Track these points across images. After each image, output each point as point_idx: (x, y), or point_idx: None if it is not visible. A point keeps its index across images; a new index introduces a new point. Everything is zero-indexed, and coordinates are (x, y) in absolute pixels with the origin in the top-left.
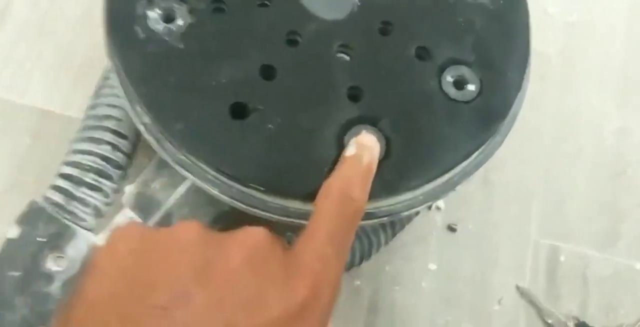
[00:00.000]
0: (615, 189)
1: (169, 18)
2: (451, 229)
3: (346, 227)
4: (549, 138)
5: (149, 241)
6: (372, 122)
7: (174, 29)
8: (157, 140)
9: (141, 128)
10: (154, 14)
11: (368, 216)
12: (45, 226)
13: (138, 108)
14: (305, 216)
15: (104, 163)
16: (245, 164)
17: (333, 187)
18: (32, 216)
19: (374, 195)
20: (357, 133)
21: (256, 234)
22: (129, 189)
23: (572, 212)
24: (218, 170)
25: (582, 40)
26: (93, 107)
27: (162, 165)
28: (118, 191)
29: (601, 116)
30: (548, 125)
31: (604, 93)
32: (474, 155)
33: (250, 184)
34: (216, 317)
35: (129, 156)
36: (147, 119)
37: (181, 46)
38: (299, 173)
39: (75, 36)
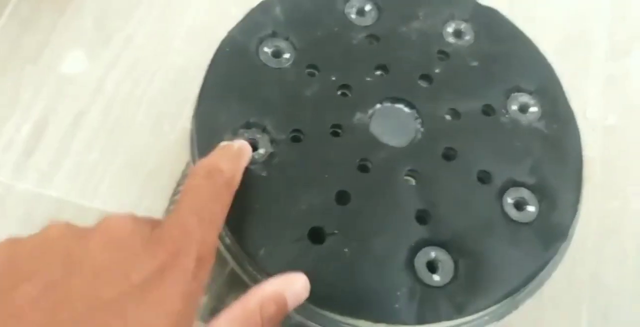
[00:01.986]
0: None
1: (252, 148)
2: None
3: (212, 196)
4: (593, 242)
5: (20, 246)
6: (439, 244)
7: (257, 157)
8: (237, 261)
9: (221, 246)
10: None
11: None
12: None
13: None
14: None
15: None
16: (321, 287)
17: (200, 163)
18: None
19: (443, 316)
20: (427, 256)
21: (117, 219)
22: (203, 302)
23: (621, 318)
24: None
25: (620, 144)
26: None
27: (236, 279)
28: None
29: None
30: (593, 229)
31: None
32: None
33: (326, 308)
34: (81, 299)
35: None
36: (228, 240)
37: (264, 174)
38: (372, 296)
39: (143, 144)
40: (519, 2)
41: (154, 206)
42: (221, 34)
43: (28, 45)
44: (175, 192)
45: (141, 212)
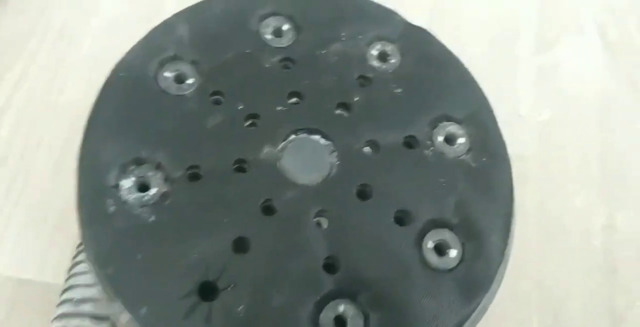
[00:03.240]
0: (610, 290)
1: (142, 187)
2: None
3: None
4: (535, 243)
5: None
6: (349, 296)
7: (147, 198)
8: None
9: (116, 321)
10: (128, 183)
11: None
12: None
13: (108, 292)
14: None
15: None
16: None
17: None
18: None
19: None
20: (334, 311)
21: None
22: None
23: (571, 319)
24: None
25: (556, 139)
26: (68, 289)
27: None
28: None
29: (586, 215)
30: (533, 230)
31: (585, 191)
32: None
33: None
34: None
35: None
36: (117, 307)
37: (152, 219)
38: None
39: (47, 192)
40: (443, 4)
41: (61, 263)
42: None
43: None
44: (77, 253)
45: (49, 272)
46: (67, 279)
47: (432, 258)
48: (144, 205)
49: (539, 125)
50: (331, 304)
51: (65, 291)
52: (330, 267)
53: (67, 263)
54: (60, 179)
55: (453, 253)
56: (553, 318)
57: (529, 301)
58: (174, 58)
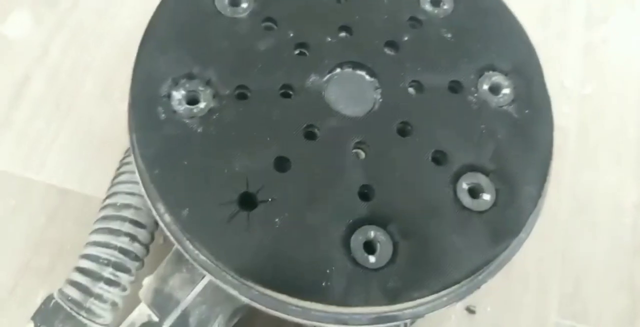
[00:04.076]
0: (633, 266)
1: (192, 100)
2: (470, 311)
3: None
4: (565, 214)
5: None
6: (380, 224)
7: (196, 111)
8: (176, 237)
9: (159, 221)
10: (178, 95)
11: (390, 318)
12: (61, 323)
13: (152, 193)
14: (326, 318)
15: (122, 256)
16: (248, 257)
17: None
18: (48, 314)
19: (373, 301)
20: (365, 235)
21: None
22: (147, 282)
23: (591, 291)
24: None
25: (596, 113)
26: (111, 195)
27: (181, 259)
28: (135, 281)
29: (618, 191)
30: (565, 201)
31: (620, 167)
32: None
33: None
34: None
35: (147, 246)
36: (162, 208)
37: (199, 130)
38: (302, 273)
39: (93, 112)
40: None
41: (104, 179)
42: None
43: None
44: (121, 165)
45: (90, 186)
46: (110, 187)
47: (465, 199)
48: (192, 116)
49: (581, 99)
50: (363, 228)
51: (108, 196)
52: (364, 195)
53: (107, 179)
54: (106, 99)
55: (486, 197)
56: (573, 287)
57: (552, 268)
58: None
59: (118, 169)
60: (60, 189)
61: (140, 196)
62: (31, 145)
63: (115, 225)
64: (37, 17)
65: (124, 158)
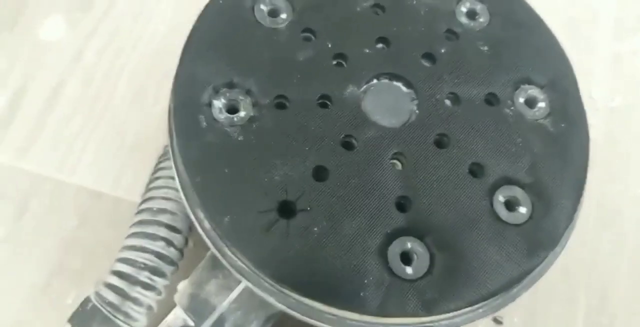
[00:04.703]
0: None
1: (232, 109)
2: (497, 321)
3: None
4: (592, 225)
5: None
6: (417, 235)
7: (236, 120)
8: (214, 243)
9: (198, 227)
10: (219, 104)
11: None
12: (99, 326)
13: (192, 199)
14: None
15: (158, 260)
16: (286, 265)
17: None
18: (85, 316)
19: (410, 312)
20: (402, 246)
21: None
22: (182, 287)
23: (618, 303)
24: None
25: (624, 126)
26: (147, 199)
27: (217, 264)
28: (169, 285)
29: None
30: (592, 213)
31: None
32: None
33: (287, 287)
34: None
35: (182, 251)
36: (201, 214)
37: (240, 138)
38: (338, 281)
39: (126, 116)
40: None
41: (135, 182)
42: None
43: (3, 11)
44: (156, 170)
45: (121, 189)
46: (146, 192)
47: (502, 211)
48: (233, 125)
49: (609, 111)
50: (400, 239)
51: (144, 201)
52: (401, 206)
53: (139, 182)
54: (139, 104)
55: (523, 210)
56: (600, 299)
57: (579, 280)
58: None
59: (153, 173)
60: (92, 192)
61: (176, 201)
62: (64, 147)
63: (151, 229)
64: (72, 21)
65: (159, 162)
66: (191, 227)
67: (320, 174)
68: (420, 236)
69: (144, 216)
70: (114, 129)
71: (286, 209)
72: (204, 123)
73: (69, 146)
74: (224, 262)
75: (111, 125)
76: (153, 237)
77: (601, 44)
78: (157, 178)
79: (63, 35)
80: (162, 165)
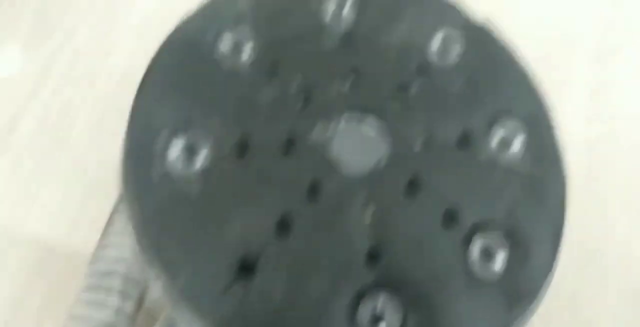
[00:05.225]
0: None
1: (189, 156)
2: None
3: None
4: (574, 265)
5: None
6: (388, 291)
7: (193, 168)
8: (169, 306)
9: (151, 287)
10: (175, 150)
11: None
12: None
13: (145, 258)
14: None
15: None
16: None
17: None
18: None
19: None
20: (373, 304)
21: None
22: None
23: None
24: None
25: (604, 158)
26: (98, 259)
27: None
28: None
29: (629, 241)
30: (574, 252)
31: (631, 216)
32: None
33: None
34: None
35: (133, 318)
36: (155, 275)
37: (196, 190)
38: None
39: (83, 155)
40: (501, 3)
41: (91, 233)
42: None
43: None
44: (110, 222)
45: (76, 241)
46: (102, 238)
47: (478, 263)
48: (190, 172)
49: (588, 142)
50: (370, 297)
51: (94, 261)
52: (371, 261)
53: (96, 228)
54: (97, 143)
55: (499, 259)
56: None
57: (561, 320)
58: (234, 27)
59: (107, 227)
60: (45, 241)
61: (129, 260)
62: (15, 193)
63: (101, 295)
64: (29, 53)
65: (113, 212)
66: (145, 291)
67: (283, 228)
68: (391, 292)
69: (93, 280)
70: (71, 170)
71: (246, 268)
72: (158, 173)
73: (21, 193)
74: (179, 325)
75: (67, 166)
76: (101, 306)
77: (578, 74)
78: (110, 233)
79: (19, 66)
80: (116, 217)
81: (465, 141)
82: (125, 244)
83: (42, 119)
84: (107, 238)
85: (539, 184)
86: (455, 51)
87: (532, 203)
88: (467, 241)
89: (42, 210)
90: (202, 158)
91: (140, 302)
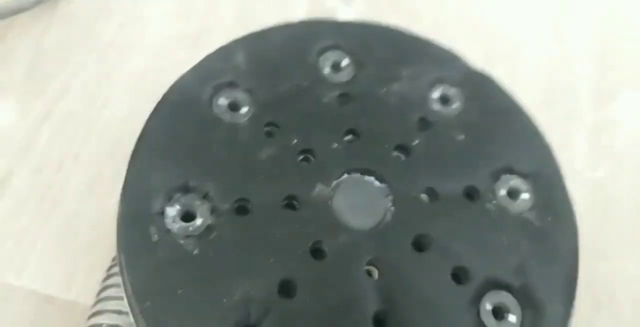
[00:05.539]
0: None
1: (188, 217)
2: None
3: None
4: (586, 310)
5: None
6: None
7: (192, 229)
8: None
9: None
10: (172, 211)
11: None
12: None
13: (142, 326)
14: None
15: None
16: None
17: None
18: None
19: None
20: None
21: None
22: None
23: None
24: None
25: (610, 198)
26: (97, 313)
27: None
28: None
29: (637, 284)
30: (584, 298)
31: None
32: None
33: None
34: None
35: None
36: None
37: (195, 252)
38: None
39: (79, 209)
40: (499, 48)
41: (89, 283)
42: (169, 84)
43: None
44: (108, 276)
45: (74, 291)
46: (95, 303)
47: (490, 321)
48: (188, 236)
49: (593, 183)
50: None
51: (93, 315)
52: (380, 322)
53: (94, 283)
54: (94, 197)
55: (512, 318)
56: None
57: None
58: (230, 85)
59: (105, 279)
60: (41, 295)
61: (128, 314)
62: (10, 246)
63: None
64: (23, 106)
65: (111, 266)
66: None
67: (286, 289)
68: None
69: None
70: (66, 224)
71: None
72: (155, 236)
73: (17, 245)
74: None
75: (63, 220)
76: None
77: (581, 115)
78: (108, 286)
79: (12, 121)
80: (113, 270)
81: (472, 194)
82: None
83: (37, 172)
84: (104, 291)
85: (550, 238)
86: (457, 103)
87: (543, 258)
88: (478, 299)
89: (38, 263)
90: (200, 219)
91: None
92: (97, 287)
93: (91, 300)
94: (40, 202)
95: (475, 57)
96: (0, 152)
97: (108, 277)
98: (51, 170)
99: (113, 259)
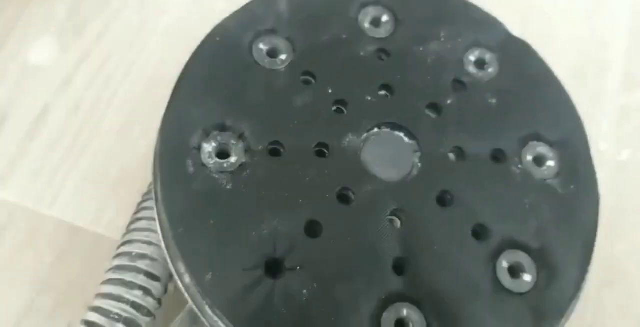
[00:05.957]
0: None
1: (223, 154)
2: None
3: None
4: (597, 287)
5: None
6: (414, 301)
7: (226, 166)
8: (194, 300)
9: (178, 281)
10: (208, 147)
11: None
12: None
13: (173, 252)
14: None
15: (134, 311)
16: None
17: None
18: None
19: None
20: (397, 313)
21: None
22: None
23: None
24: None
25: (632, 181)
26: (127, 242)
27: (196, 320)
28: None
29: None
30: (598, 273)
31: None
32: None
33: None
34: None
35: (160, 300)
36: (182, 268)
37: (229, 187)
38: None
39: (111, 148)
40: (534, 23)
41: (117, 219)
42: (206, 31)
43: None
44: (139, 209)
45: (102, 225)
46: (126, 233)
47: (505, 278)
48: (222, 171)
49: (617, 165)
50: (395, 305)
51: (123, 244)
52: (399, 269)
53: (122, 218)
54: (127, 136)
55: (527, 277)
56: None
57: None
58: (271, 31)
59: (136, 213)
60: (71, 226)
61: (157, 245)
62: (45, 178)
63: (129, 277)
64: (63, 45)
65: (142, 201)
66: (172, 275)
67: (313, 229)
68: (417, 303)
69: (122, 261)
70: (98, 161)
71: (274, 268)
72: (191, 168)
73: (50, 177)
74: (203, 320)
75: (95, 157)
76: (130, 285)
77: (609, 97)
78: (139, 219)
79: (53, 59)
80: (145, 204)
81: (498, 157)
82: (154, 230)
83: (73, 110)
84: (135, 223)
85: (571, 205)
86: (492, 68)
87: (563, 224)
88: (496, 256)
89: (70, 196)
90: (234, 157)
91: (167, 285)
92: (126, 223)
93: (118, 235)
94: (73, 140)
95: (511, 28)
96: (39, 87)
97: (139, 210)
98: (86, 109)
99: (144, 195)
